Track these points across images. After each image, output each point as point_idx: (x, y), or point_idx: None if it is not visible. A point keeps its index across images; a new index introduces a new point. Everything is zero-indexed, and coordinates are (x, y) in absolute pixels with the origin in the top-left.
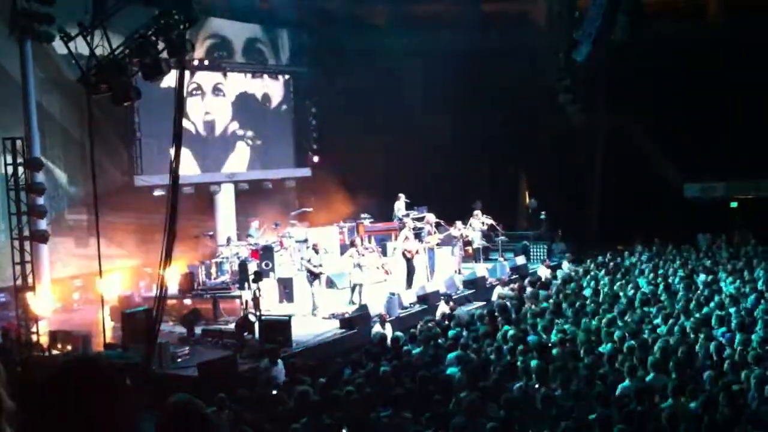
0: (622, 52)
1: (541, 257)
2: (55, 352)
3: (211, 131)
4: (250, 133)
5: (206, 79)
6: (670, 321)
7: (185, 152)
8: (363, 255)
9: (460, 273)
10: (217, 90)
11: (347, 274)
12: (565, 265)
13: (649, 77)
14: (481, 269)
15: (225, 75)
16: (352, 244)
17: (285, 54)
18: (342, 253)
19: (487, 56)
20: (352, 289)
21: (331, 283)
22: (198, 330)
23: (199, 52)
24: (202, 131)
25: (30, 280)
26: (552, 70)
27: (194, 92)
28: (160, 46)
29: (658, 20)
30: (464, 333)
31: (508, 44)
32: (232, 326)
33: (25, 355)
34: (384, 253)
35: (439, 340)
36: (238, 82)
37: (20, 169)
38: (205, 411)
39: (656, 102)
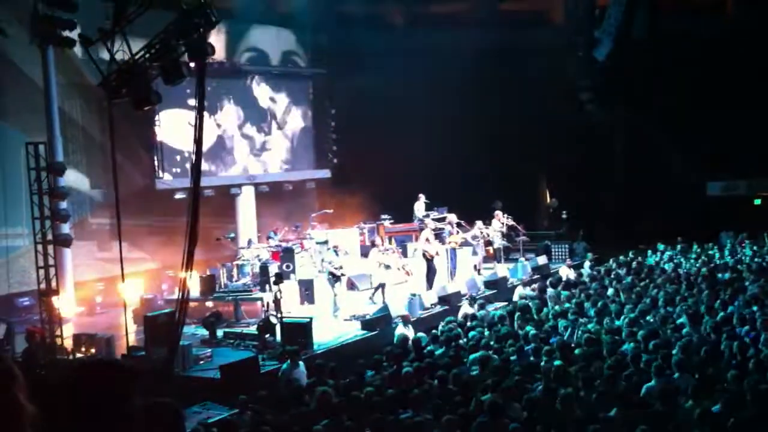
0: (642, 49)
1: (563, 257)
2: (78, 355)
3: (243, 140)
4: (278, 139)
5: (228, 84)
6: (694, 320)
7: (213, 159)
8: (384, 254)
9: (480, 273)
10: (248, 98)
11: (369, 275)
12: (587, 265)
13: (669, 74)
14: (502, 269)
15: (248, 79)
16: (373, 244)
17: (307, 56)
18: (363, 255)
19: (506, 55)
20: (375, 288)
21: (351, 285)
22: (220, 332)
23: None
24: (233, 139)
25: (54, 283)
26: (571, 68)
27: (226, 101)
28: (180, 50)
29: (678, 16)
30: (486, 333)
31: (527, 42)
32: (253, 328)
33: (49, 358)
34: (404, 253)
35: (461, 341)
36: (267, 89)
37: (43, 174)
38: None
39: (677, 99)
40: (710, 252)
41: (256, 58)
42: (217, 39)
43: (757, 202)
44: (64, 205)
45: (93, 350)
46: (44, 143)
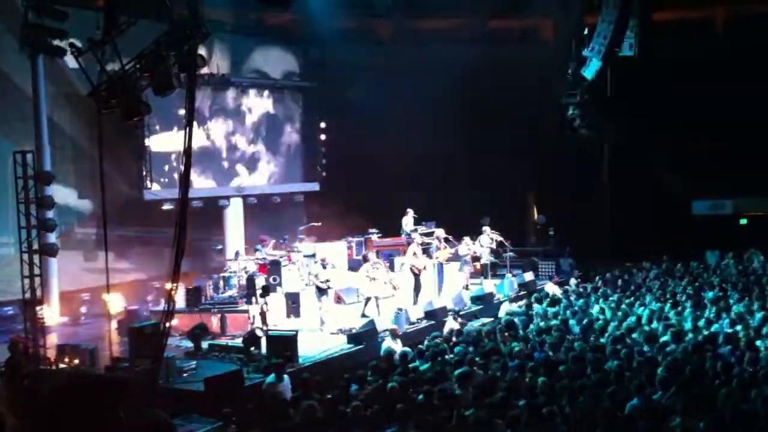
0: (630, 68)
1: (549, 274)
2: (62, 365)
3: (232, 151)
4: (267, 152)
5: (226, 99)
6: (678, 339)
7: (202, 171)
8: (377, 269)
9: (468, 289)
10: (237, 110)
11: (356, 289)
12: (573, 282)
13: (657, 93)
14: (489, 285)
15: (242, 93)
16: (365, 259)
17: (289, 65)
18: (350, 268)
19: (495, 71)
20: (366, 302)
21: (339, 299)
22: (205, 344)
23: (218, 67)
24: (222, 151)
25: (38, 293)
26: (560, 85)
27: (216, 113)
28: (171, 61)
29: (666, 36)
30: (471, 349)
31: (516, 60)
32: (239, 341)
33: (33, 369)
34: (392, 268)
35: (446, 356)
36: (257, 101)
37: (30, 183)
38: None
39: (664, 118)
40: (696, 271)
41: (257, 74)
42: (220, 57)
43: (743, 221)
44: (50, 214)
45: (77, 361)
46: (32, 152)
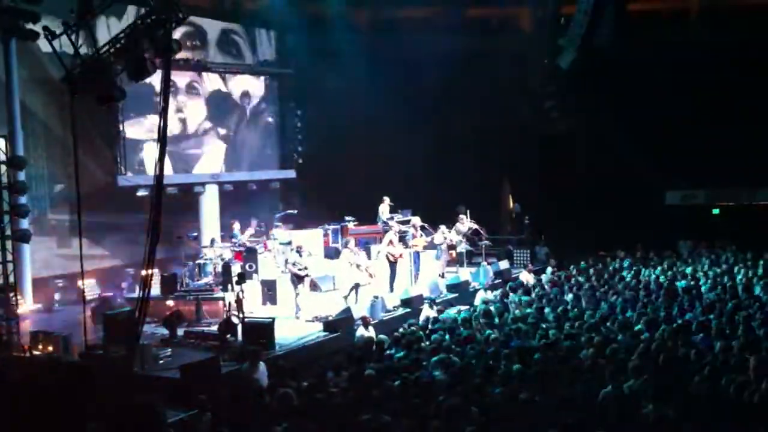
0: (605, 58)
1: (524, 262)
2: (35, 352)
3: (184, 130)
4: (224, 131)
5: (180, 76)
6: (651, 327)
7: (177, 157)
8: (358, 255)
9: (443, 277)
10: (191, 88)
11: (332, 276)
12: (548, 270)
13: (632, 84)
14: (464, 273)
15: (200, 74)
16: (347, 245)
17: (265, 51)
18: (326, 256)
19: (472, 60)
20: (351, 289)
21: (314, 286)
22: (180, 332)
23: (194, 52)
24: (175, 130)
25: (11, 279)
26: (535, 75)
27: (191, 99)
28: (146, 46)
29: (641, 27)
30: (447, 337)
31: (493, 49)
32: (214, 328)
33: (5, 355)
34: (368, 256)
35: (422, 344)
36: (214, 81)
37: (2, 168)
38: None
39: (639, 109)
40: (669, 260)
41: (233, 60)
42: (196, 42)
43: (716, 211)
44: (23, 199)
45: (50, 348)
46: (4, 137)
